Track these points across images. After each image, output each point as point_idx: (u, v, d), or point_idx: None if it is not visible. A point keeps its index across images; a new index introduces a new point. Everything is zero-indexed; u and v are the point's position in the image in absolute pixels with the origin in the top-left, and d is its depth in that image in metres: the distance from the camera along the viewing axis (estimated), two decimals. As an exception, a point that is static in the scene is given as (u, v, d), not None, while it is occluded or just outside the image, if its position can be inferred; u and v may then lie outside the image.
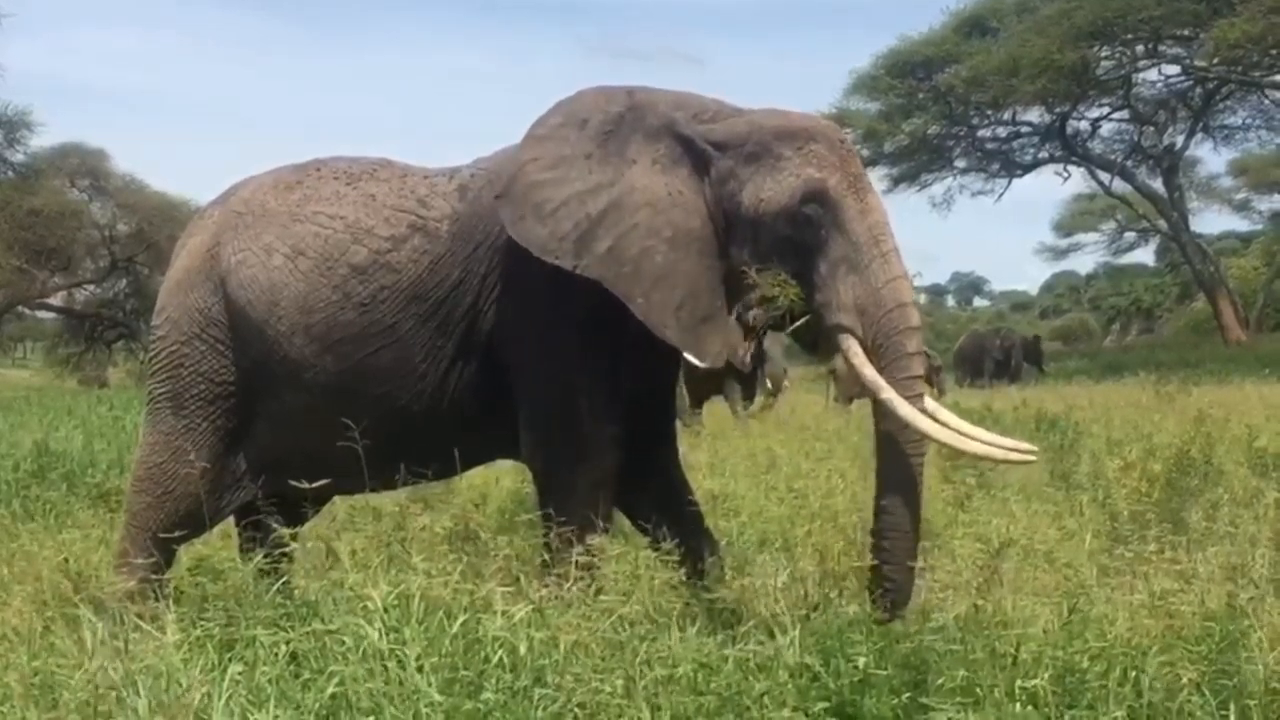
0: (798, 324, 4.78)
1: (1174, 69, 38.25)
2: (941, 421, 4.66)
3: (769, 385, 16.52)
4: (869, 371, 4.61)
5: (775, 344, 15.37)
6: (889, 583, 4.51)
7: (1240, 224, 55.10)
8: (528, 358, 5.00)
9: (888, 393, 4.55)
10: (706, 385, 15.02)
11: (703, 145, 4.89)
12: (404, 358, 5.07)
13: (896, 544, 4.54)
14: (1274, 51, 33.99)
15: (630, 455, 5.07)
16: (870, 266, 4.67)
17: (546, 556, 4.76)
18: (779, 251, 4.76)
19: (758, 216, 4.78)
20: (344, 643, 3.82)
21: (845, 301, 4.67)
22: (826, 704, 3.71)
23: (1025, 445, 4.82)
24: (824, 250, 4.71)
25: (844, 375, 14.24)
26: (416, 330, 5.06)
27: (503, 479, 7.93)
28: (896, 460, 4.63)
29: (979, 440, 4.72)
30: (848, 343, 4.68)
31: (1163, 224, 43.84)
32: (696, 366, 5.01)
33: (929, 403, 4.72)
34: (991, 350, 29.50)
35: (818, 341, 4.91)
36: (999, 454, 4.74)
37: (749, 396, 16.02)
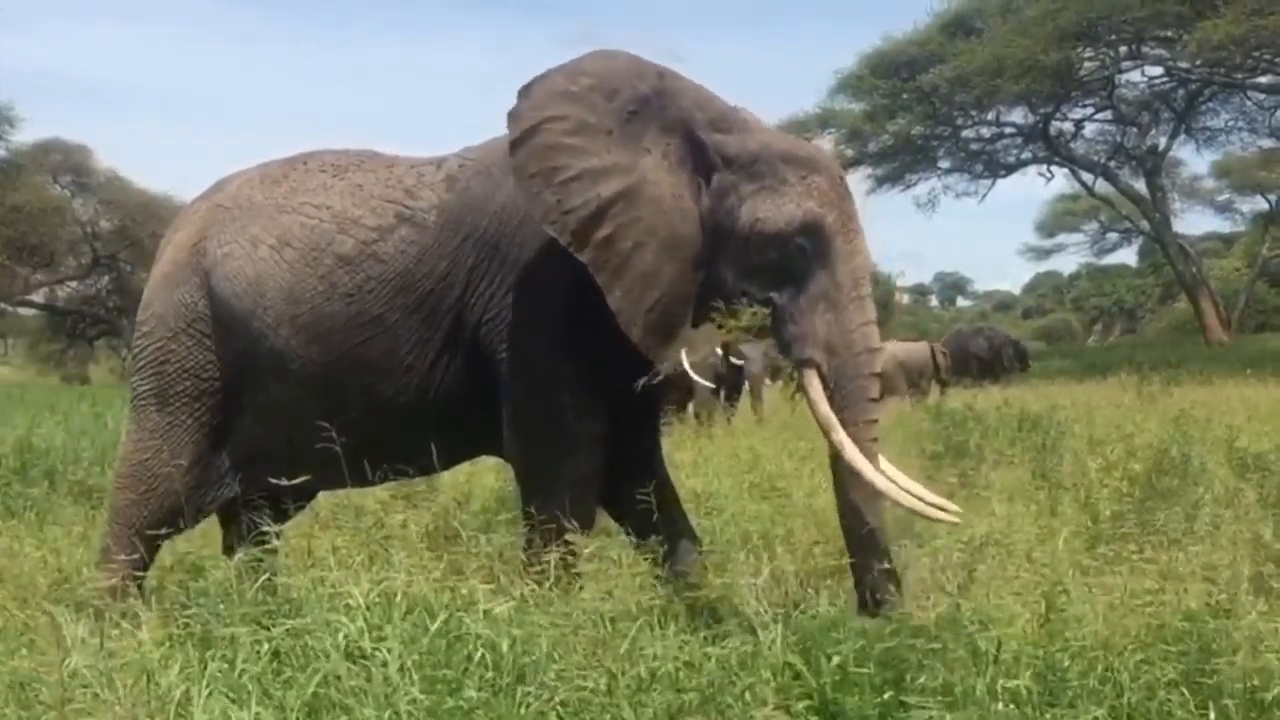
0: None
1: (1157, 70, 38.36)
2: (882, 471, 4.69)
3: (746, 387, 16.54)
4: (824, 409, 4.66)
5: (756, 348, 15.39)
6: (868, 586, 4.57)
7: (1222, 225, 55.49)
8: (513, 353, 5.00)
9: (839, 434, 4.61)
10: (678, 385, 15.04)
11: (712, 155, 4.88)
12: (390, 349, 5.06)
13: (866, 551, 4.62)
14: (1257, 53, 34.06)
15: (614, 452, 5.08)
16: (847, 308, 4.72)
17: (528, 554, 4.76)
18: (763, 273, 4.79)
19: (751, 235, 4.79)
20: (325, 640, 3.82)
21: (819, 337, 4.71)
22: (808, 701, 3.72)
23: (951, 505, 4.85)
24: (807, 283, 4.75)
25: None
26: (403, 322, 5.05)
27: (485, 477, 7.92)
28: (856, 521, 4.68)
29: (911, 494, 4.73)
30: (810, 378, 4.71)
31: (1145, 225, 44.03)
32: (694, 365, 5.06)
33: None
34: (976, 350, 29.49)
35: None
36: (930, 512, 4.76)
37: (732, 399, 16.05)
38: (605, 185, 4.83)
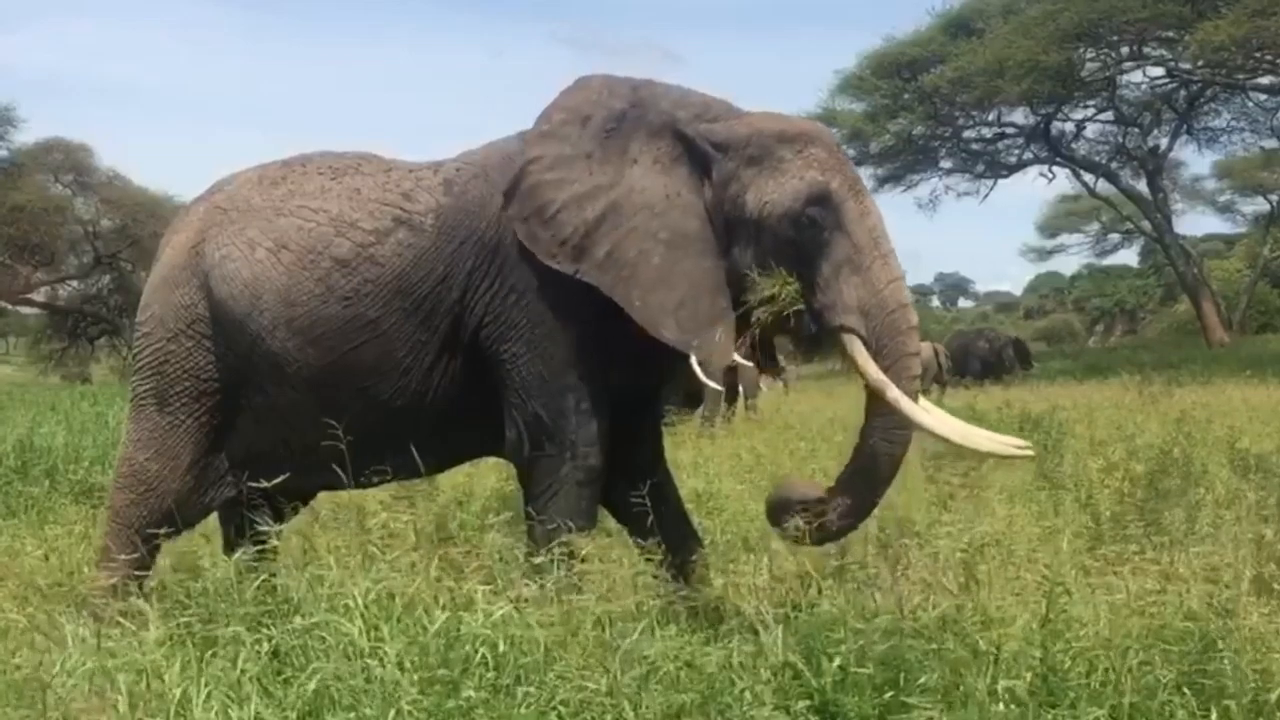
0: (790, 323, 4.84)
1: (1158, 71, 38.38)
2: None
3: (740, 391, 16.53)
4: (874, 371, 4.69)
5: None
6: (833, 512, 4.70)
7: (1224, 226, 55.51)
8: (515, 354, 5.00)
9: (894, 391, 4.64)
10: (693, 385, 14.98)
11: (704, 146, 4.92)
12: (387, 352, 5.05)
13: (856, 492, 4.76)
14: (1258, 54, 34.08)
15: (616, 453, 5.08)
16: (871, 268, 4.75)
17: (530, 554, 4.75)
18: (780, 253, 4.80)
19: (761, 219, 4.82)
20: (325, 640, 3.81)
21: (849, 302, 4.73)
22: (808, 702, 3.72)
23: (1020, 442, 4.92)
24: (826, 252, 4.77)
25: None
26: (400, 325, 5.04)
27: (485, 477, 7.92)
28: (878, 441, 4.76)
29: (979, 437, 4.86)
30: (853, 343, 4.74)
31: (1146, 225, 44.02)
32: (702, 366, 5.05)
33: (924, 402, 4.87)
34: (977, 351, 29.52)
35: (817, 340, 4.95)
36: (1001, 450, 4.90)
37: (731, 401, 16.05)
38: (591, 207, 4.89)
